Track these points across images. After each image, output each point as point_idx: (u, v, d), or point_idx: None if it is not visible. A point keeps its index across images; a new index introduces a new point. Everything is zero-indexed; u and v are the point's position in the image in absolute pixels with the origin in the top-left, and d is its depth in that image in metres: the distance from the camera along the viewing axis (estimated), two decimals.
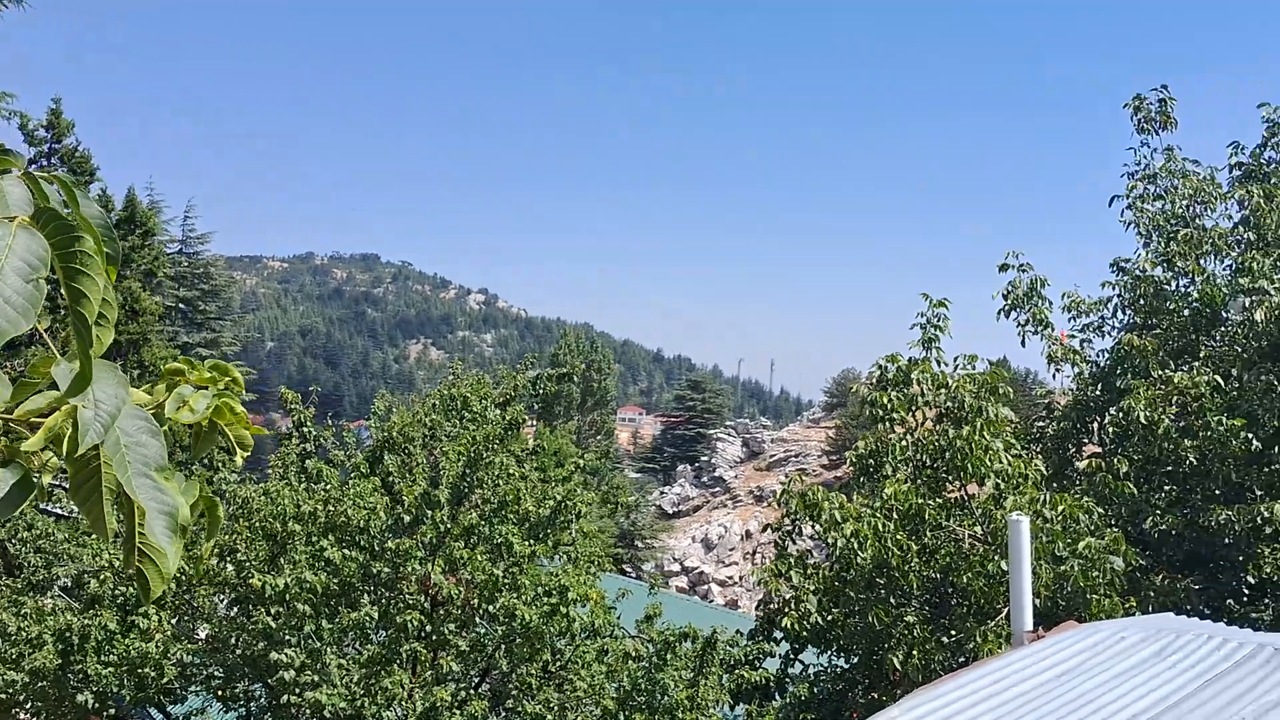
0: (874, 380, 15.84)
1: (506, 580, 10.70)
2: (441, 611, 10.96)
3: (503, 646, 10.89)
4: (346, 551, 10.98)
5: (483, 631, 11.28)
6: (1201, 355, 16.25)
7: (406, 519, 11.14)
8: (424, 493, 11.16)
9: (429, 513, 10.99)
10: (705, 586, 72.44)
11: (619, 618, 12.18)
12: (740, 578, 70.51)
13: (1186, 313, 16.73)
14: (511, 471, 11.56)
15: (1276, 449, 14.34)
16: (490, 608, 10.61)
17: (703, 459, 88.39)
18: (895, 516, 13.89)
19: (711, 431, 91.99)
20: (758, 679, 12.45)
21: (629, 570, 53.23)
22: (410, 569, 10.71)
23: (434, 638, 10.79)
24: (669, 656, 11.07)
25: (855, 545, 13.60)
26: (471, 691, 11.08)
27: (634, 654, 11.29)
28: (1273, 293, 14.59)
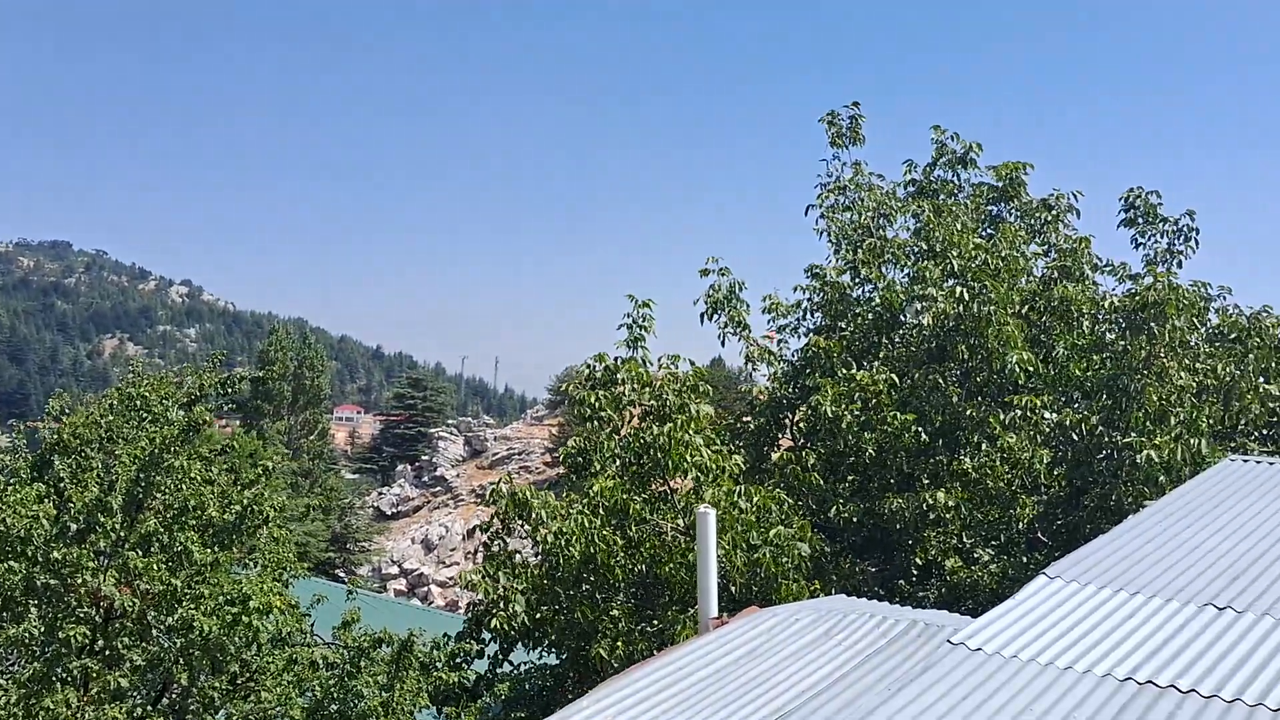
0: (583, 379, 16.18)
1: (187, 590, 10.16)
2: (116, 624, 10.27)
3: (181, 660, 10.32)
4: (10, 564, 10.10)
5: (162, 645, 10.65)
6: (881, 356, 17.53)
7: (74, 526, 10.38)
8: (96, 498, 10.43)
9: (101, 519, 10.27)
10: (425, 589, 71.44)
11: (313, 625, 11.83)
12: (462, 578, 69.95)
13: (870, 316, 18.01)
14: (194, 475, 10.99)
15: (941, 442, 15.68)
16: (169, 619, 10.04)
17: (423, 458, 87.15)
18: (602, 512, 14.22)
19: (433, 430, 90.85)
20: (457, 681, 12.39)
21: (341, 575, 51.63)
22: (80, 580, 9.97)
23: (106, 653, 10.09)
24: (363, 663, 10.85)
25: (563, 542, 13.81)
26: (150, 709, 10.44)
27: (325, 662, 10.97)
28: (940, 299, 15.94)
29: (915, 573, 15.72)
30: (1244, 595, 7.11)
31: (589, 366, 15.98)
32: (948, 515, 14.85)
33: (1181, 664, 6.07)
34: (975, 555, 15.27)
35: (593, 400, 15.34)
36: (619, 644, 14.06)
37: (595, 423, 15.59)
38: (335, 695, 10.47)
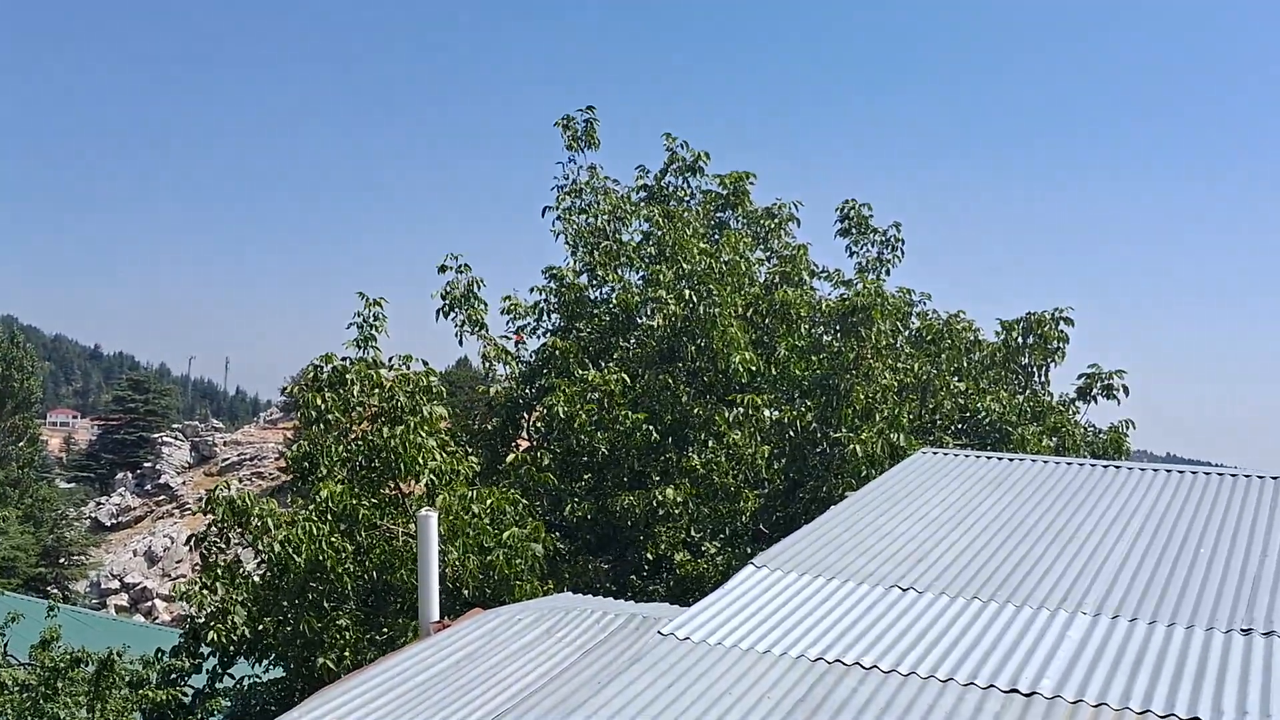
0: (309, 381, 15.75)
1: None
2: None
3: None
4: None
5: None
6: (617, 356, 17.93)
7: None
8: None
9: None
10: (149, 604, 67.28)
11: (6, 644, 10.94)
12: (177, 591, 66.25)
13: (607, 318, 18.37)
14: None
15: (671, 440, 16.20)
16: None
17: (146, 465, 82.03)
18: (330, 518, 13.87)
19: (156, 435, 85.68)
20: (170, 698, 11.79)
21: (53, 591, 47.90)
22: None
23: None
24: (60, 684, 10.15)
25: (289, 550, 13.38)
26: None
27: (16, 683, 10.19)
28: (670, 302, 16.47)
29: (646, 568, 16.16)
30: (925, 576, 7.73)
31: (315, 367, 15.56)
32: (677, 511, 15.35)
33: (867, 643, 6.53)
34: (703, 548, 15.85)
35: (319, 402, 14.94)
36: (347, 654, 13.77)
37: (323, 426, 15.20)
38: (28, 719, 9.73)
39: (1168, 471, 10.46)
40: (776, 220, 19.94)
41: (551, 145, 20.06)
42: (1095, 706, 5.58)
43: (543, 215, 19.50)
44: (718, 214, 20.43)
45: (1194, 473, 10.36)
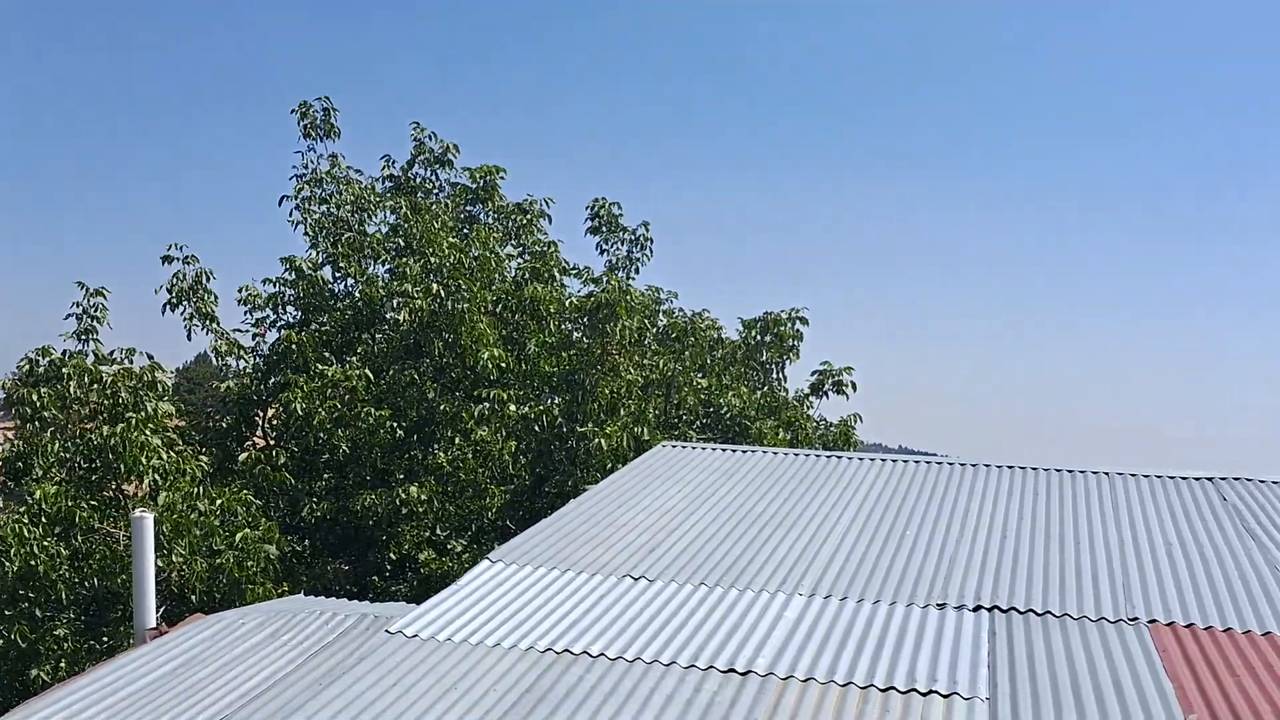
0: (24, 376, 14.61)
1: None
2: None
3: None
4: None
5: None
6: (360, 351, 17.46)
7: None
8: None
9: None
10: None
11: None
12: None
13: (350, 312, 17.86)
14: None
15: (416, 437, 15.94)
16: None
17: None
18: (44, 521, 12.93)
19: None
20: None
21: None
22: None
23: None
24: None
25: None
26: None
27: None
28: (417, 296, 16.19)
29: (389, 568, 15.83)
30: (657, 565, 7.94)
31: (31, 361, 14.44)
32: (421, 509, 15.11)
33: (596, 632, 6.64)
34: (449, 547, 15.68)
35: (35, 399, 13.88)
36: (64, 665, 12.89)
37: (38, 424, 14.13)
38: None
39: (883, 460, 11.15)
40: (528, 216, 19.94)
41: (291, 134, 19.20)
42: (804, 681, 5.88)
43: (279, 204, 18.78)
44: (468, 208, 20.24)
45: (905, 461, 11.09)
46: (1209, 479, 10.31)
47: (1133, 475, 10.43)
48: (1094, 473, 10.50)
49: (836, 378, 18.96)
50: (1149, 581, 7.60)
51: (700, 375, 17.83)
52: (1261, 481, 10.26)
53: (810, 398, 19.17)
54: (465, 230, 19.07)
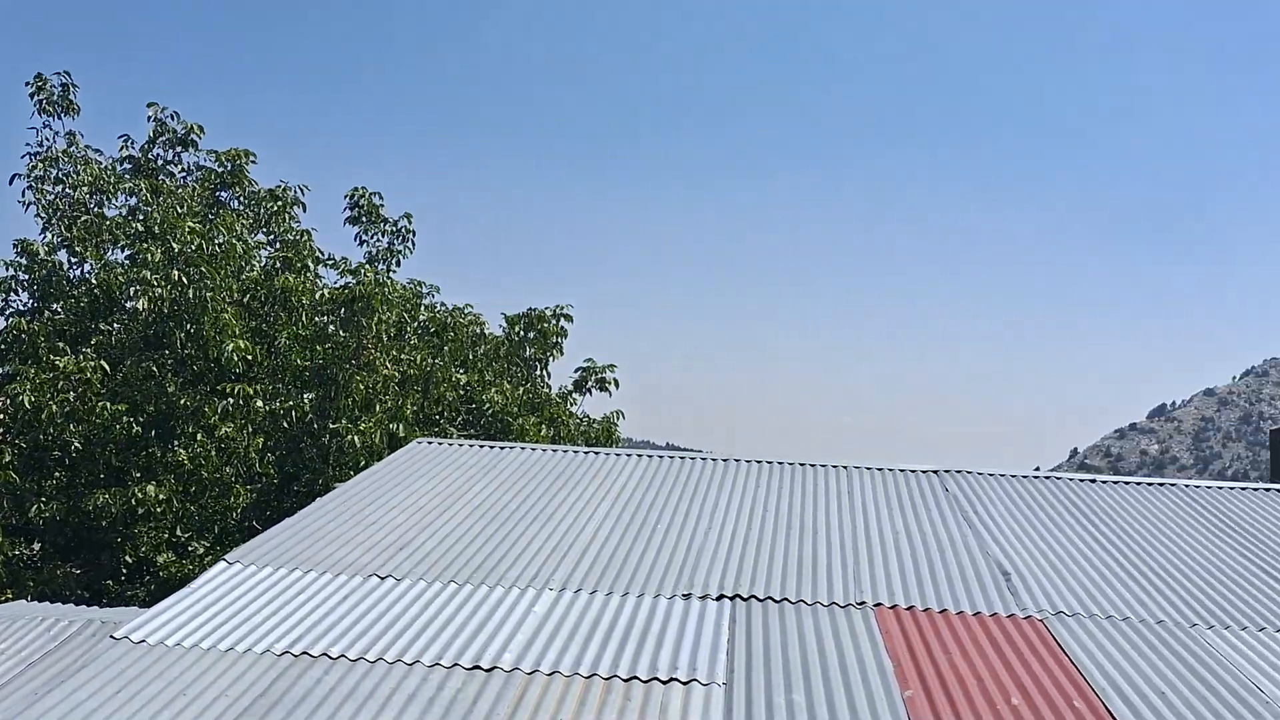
0: None
1: None
2: None
3: None
4: None
5: None
6: (96, 342, 16.36)
7: None
8: None
9: None
10: None
11: None
12: None
13: (85, 300, 16.71)
14: None
15: (155, 433, 15.06)
16: None
17: None
18: None
19: None
20: None
21: None
22: None
23: None
24: None
25: None
26: None
27: None
28: (156, 284, 15.29)
29: (125, 572, 14.92)
30: (406, 564, 7.81)
31: None
32: (159, 509, 14.30)
33: (338, 633, 6.47)
34: (190, 549, 14.92)
35: None
36: None
37: None
38: None
39: (640, 456, 11.37)
40: (281, 203, 19.17)
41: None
42: (549, 675, 5.93)
43: (10, 183, 17.38)
44: (217, 193, 19.29)
45: (661, 457, 11.36)
46: (934, 471, 11.05)
47: (868, 469, 11.04)
48: (833, 466, 11.06)
49: (600, 375, 19.21)
50: (876, 568, 8.07)
51: (461, 371, 17.66)
52: (980, 474, 11.08)
53: (574, 395, 19.34)
54: (212, 216, 18.16)
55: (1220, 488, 10.99)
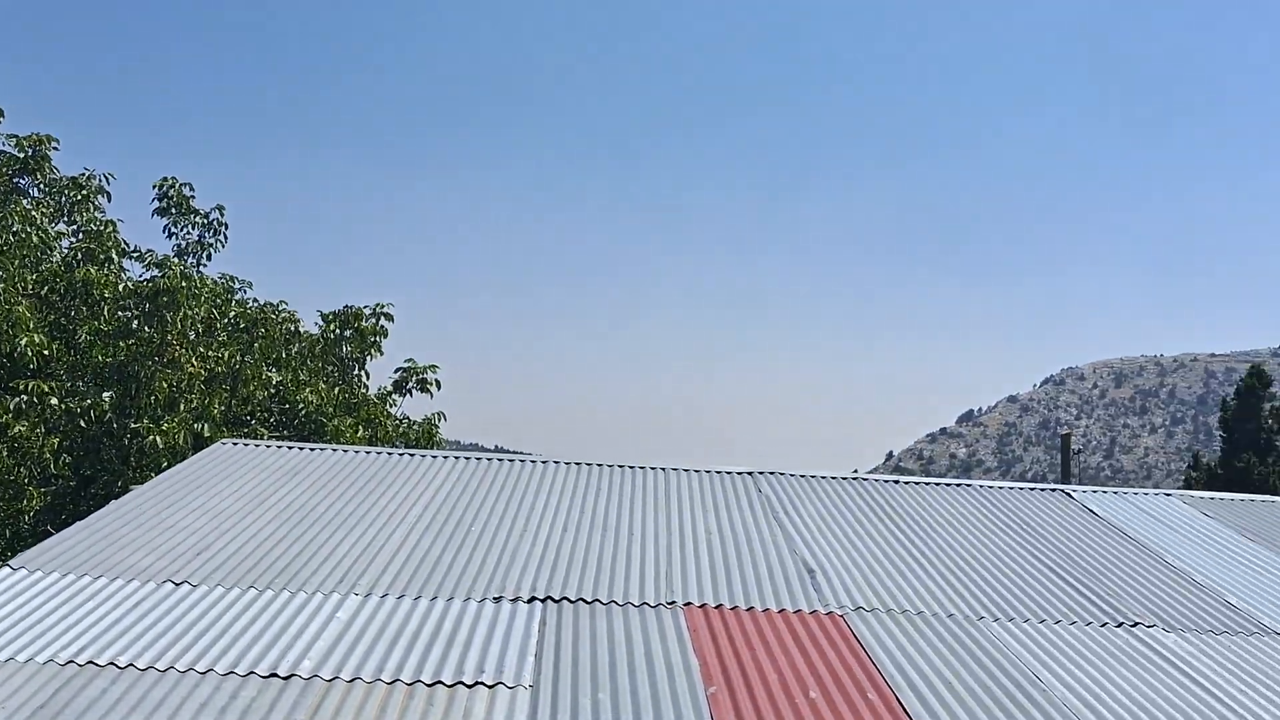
0: None
1: None
2: None
3: None
4: None
5: None
6: None
7: None
8: None
9: None
10: None
11: None
12: None
13: None
14: None
15: None
16: None
17: None
18: None
19: None
20: None
21: None
22: None
23: None
24: None
25: None
26: None
27: None
28: None
29: None
30: (204, 569, 7.50)
31: None
32: None
33: (127, 641, 6.16)
34: None
35: None
36: None
37: None
38: None
39: (457, 459, 11.24)
40: (85, 192, 18.19)
41: None
42: (349, 682, 5.79)
43: None
44: (15, 180, 18.15)
45: (479, 459, 11.25)
46: (749, 473, 11.31)
47: (685, 470, 11.21)
48: (651, 469, 11.18)
49: (421, 375, 18.89)
50: (689, 568, 8.20)
51: (274, 370, 17.08)
52: (792, 475, 11.40)
53: (393, 395, 18.97)
54: (9, 204, 17.09)
55: (1011, 488, 11.62)
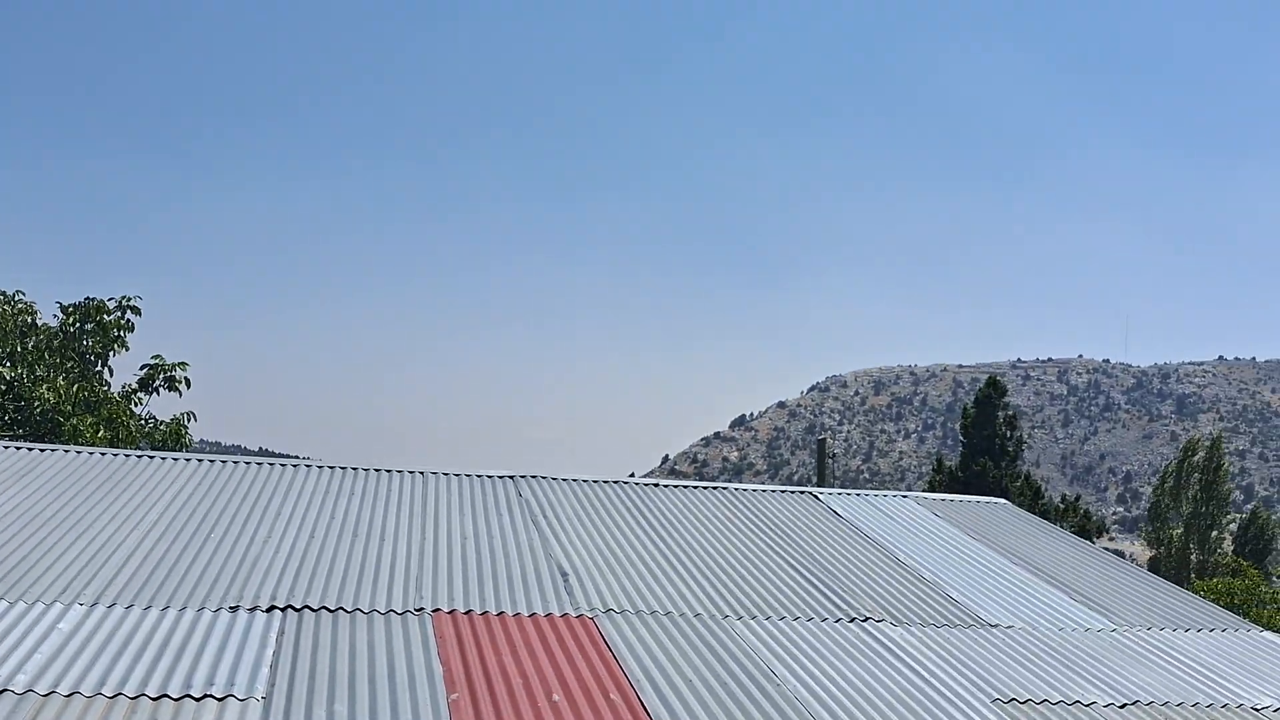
0: None
1: None
2: None
3: None
4: None
5: None
6: None
7: None
8: None
9: None
10: None
11: None
12: None
13: None
14: None
15: None
16: None
17: None
18: None
19: None
20: None
21: None
22: None
23: None
24: None
25: None
26: None
27: None
28: None
29: None
30: None
31: None
32: None
33: None
34: None
35: None
36: None
37: None
38: None
39: (201, 461, 10.74)
40: None
41: None
42: (67, 696, 5.45)
43: None
44: None
45: (225, 461, 10.79)
46: (509, 477, 11.31)
47: (443, 474, 11.10)
48: (408, 472, 11.02)
49: (169, 373, 17.95)
50: (440, 573, 8.13)
51: (7, 364, 15.85)
52: (553, 479, 11.47)
53: (139, 394, 17.94)
54: None
55: (763, 490, 12.09)
